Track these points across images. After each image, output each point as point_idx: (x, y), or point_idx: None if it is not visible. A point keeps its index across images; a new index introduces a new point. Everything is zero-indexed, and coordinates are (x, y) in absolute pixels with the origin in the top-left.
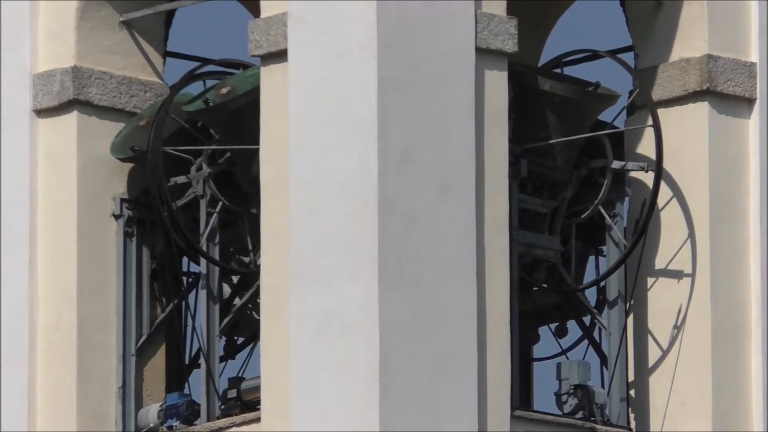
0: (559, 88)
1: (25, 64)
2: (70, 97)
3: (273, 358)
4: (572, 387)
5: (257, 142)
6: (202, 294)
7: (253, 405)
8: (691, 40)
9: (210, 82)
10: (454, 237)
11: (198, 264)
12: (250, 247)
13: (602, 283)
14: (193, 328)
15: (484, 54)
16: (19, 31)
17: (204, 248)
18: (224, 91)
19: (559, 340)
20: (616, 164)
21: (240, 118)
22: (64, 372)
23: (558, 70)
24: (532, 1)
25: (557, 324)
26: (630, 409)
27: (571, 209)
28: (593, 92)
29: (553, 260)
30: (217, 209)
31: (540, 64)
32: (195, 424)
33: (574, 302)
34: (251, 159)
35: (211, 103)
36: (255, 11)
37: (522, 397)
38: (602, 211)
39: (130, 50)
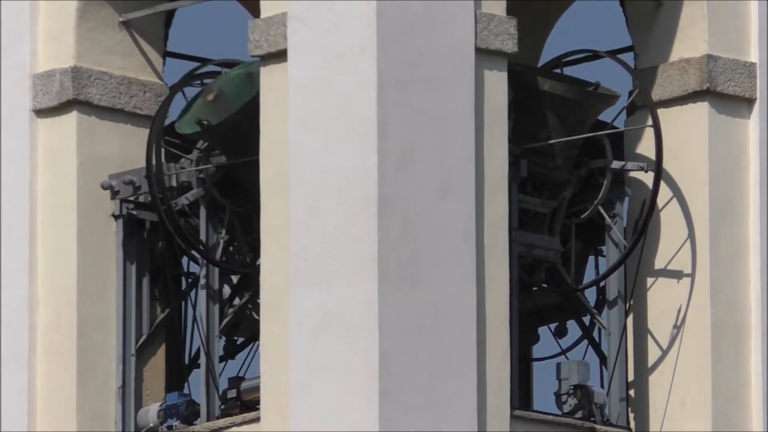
0: (559, 89)
1: (24, 64)
2: (70, 97)
3: (273, 358)
4: (572, 387)
5: (257, 151)
6: (202, 294)
7: (253, 405)
8: (691, 41)
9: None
10: (453, 237)
11: (198, 264)
12: (250, 247)
13: (602, 283)
14: (193, 328)
15: (484, 54)
16: (19, 31)
17: (204, 248)
18: (211, 97)
19: (558, 340)
20: (615, 164)
21: (237, 132)
22: (64, 372)
23: (558, 71)
24: (532, 1)
25: (557, 324)
26: (629, 409)
27: (571, 209)
28: (593, 92)
29: (553, 260)
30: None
31: (540, 64)
32: (195, 424)
33: (574, 302)
34: (252, 165)
35: (205, 123)
36: (255, 11)
37: (522, 397)
38: (602, 211)
39: (130, 50)
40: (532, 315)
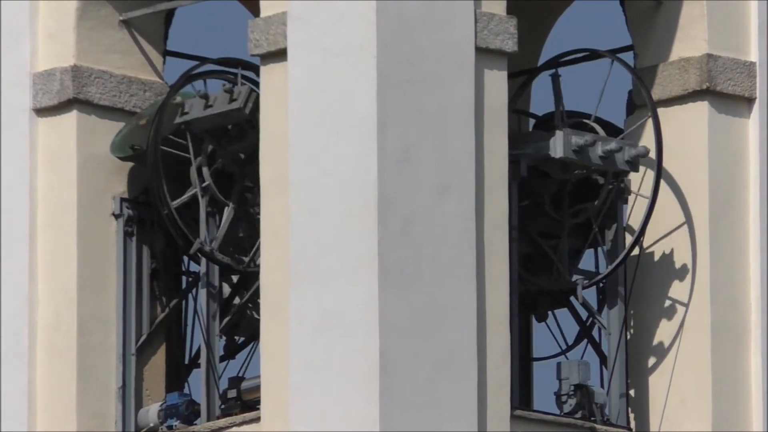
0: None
1: (24, 63)
2: (70, 96)
3: (273, 358)
4: (572, 387)
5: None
6: (202, 293)
7: (253, 405)
8: (691, 40)
9: (211, 83)
10: (453, 237)
11: (198, 263)
12: (249, 246)
13: (602, 283)
14: (193, 328)
15: (484, 53)
16: (19, 31)
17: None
18: (143, 122)
19: (558, 340)
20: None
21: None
22: (64, 372)
23: (558, 69)
24: (532, 0)
25: (538, 311)
26: (629, 409)
27: (571, 209)
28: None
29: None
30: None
31: (539, 64)
32: (195, 424)
33: (567, 293)
34: (251, 161)
35: (137, 147)
36: (255, 10)
37: (522, 397)
38: (596, 231)
39: (130, 49)
40: (525, 303)
